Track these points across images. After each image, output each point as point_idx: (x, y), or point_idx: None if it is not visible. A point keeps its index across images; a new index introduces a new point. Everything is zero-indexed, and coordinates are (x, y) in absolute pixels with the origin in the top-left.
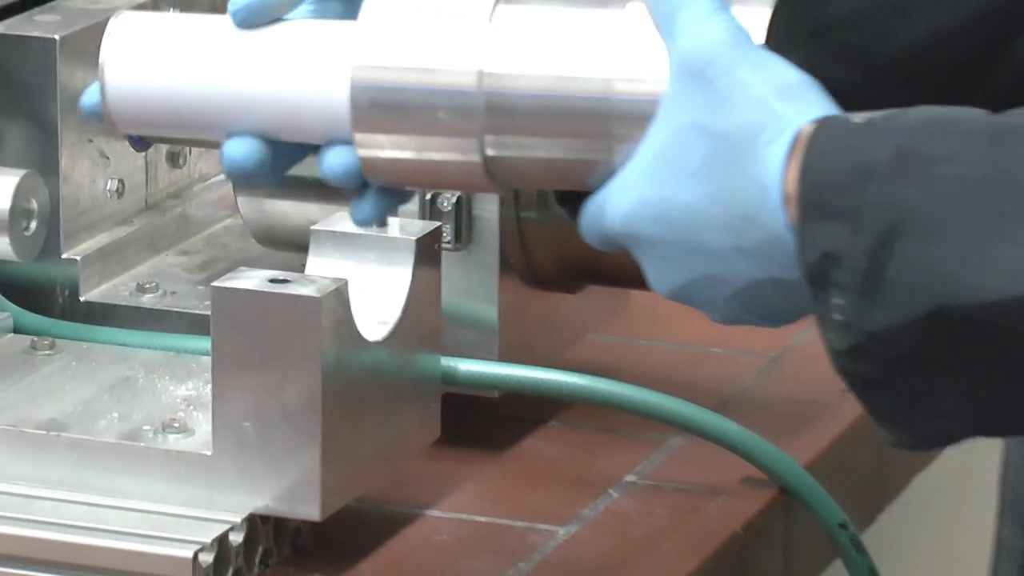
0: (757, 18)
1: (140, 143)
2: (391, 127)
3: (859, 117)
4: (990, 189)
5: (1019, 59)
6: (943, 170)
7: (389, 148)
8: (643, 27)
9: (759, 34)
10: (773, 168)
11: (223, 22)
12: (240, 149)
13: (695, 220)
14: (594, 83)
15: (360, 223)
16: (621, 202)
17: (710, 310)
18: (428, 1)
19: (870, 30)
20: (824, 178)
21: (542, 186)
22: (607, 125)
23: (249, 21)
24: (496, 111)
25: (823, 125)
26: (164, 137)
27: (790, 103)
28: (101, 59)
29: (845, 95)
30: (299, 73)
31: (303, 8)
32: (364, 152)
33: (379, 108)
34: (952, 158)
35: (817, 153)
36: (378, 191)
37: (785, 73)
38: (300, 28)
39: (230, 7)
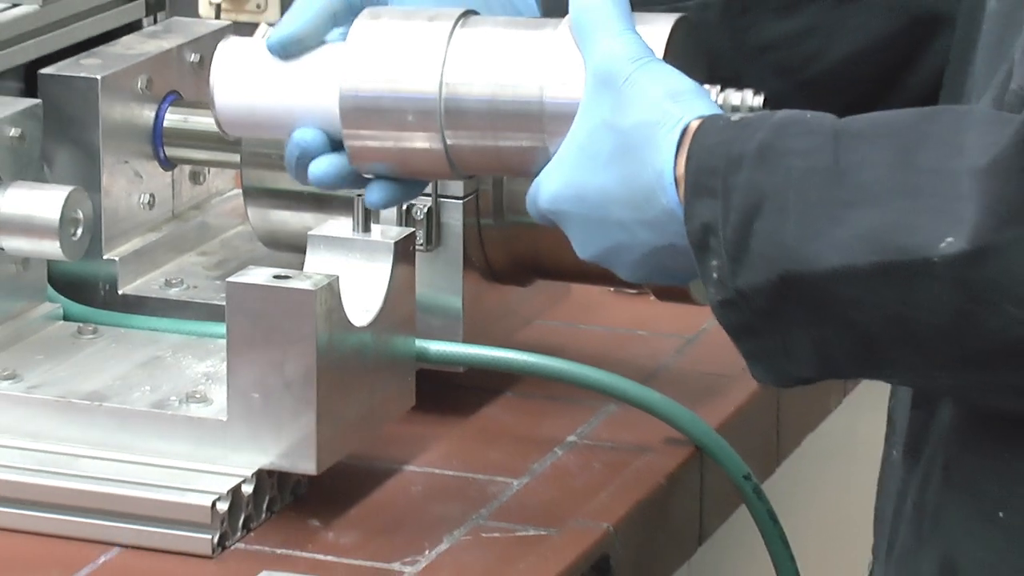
0: (658, 36)
1: (167, 164)
2: (371, 125)
3: (736, 116)
4: (827, 178)
5: (926, 71)
6: (793, 161)
7: (370, 142)
8: (570, 45)
9: (659, 49)
10: (667, 156)
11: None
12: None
13: (605, 199)
14: (530, 89)
15: (372, 206)
16: (549, 185)
17: (623, 272)
18: (401, 25)
19: (801, 50)
20: (705, 164)
21: (493, 172)
22: (541, 122)
23: (284, 52)
24: (453, 111)
25: (706, 122)
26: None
27: (680, 104)
28: (211, 78)
29: (782, 104)
30: (313, 88)
31: (337, 32)
32: (351, 143)
33: (362, 111)
34: (801, 152)
35: (700, 144)
36: (381, 180)
37: (677, 81)
38: (316, 54)
39: (267, 42)
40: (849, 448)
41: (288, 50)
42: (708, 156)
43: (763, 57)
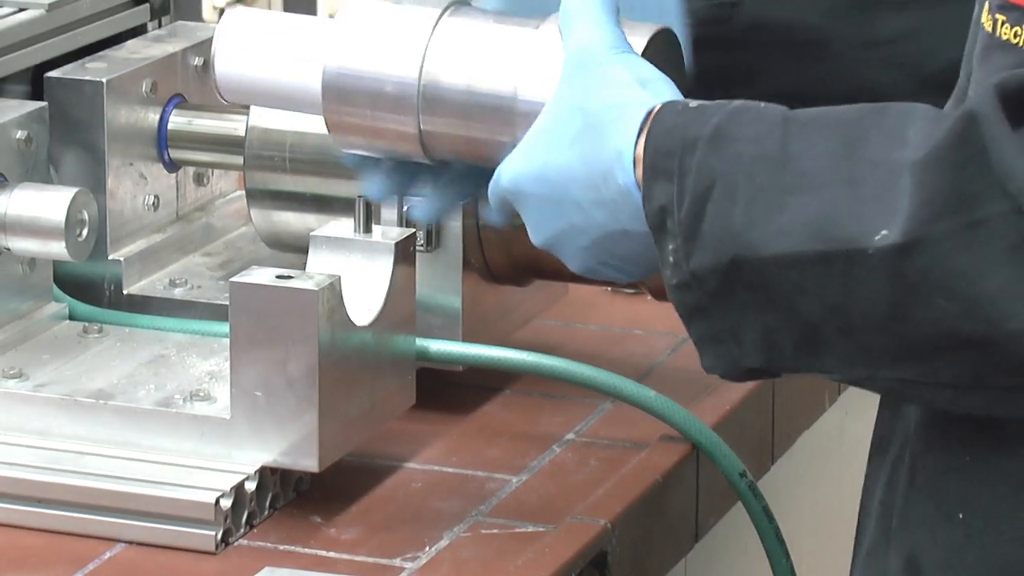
0: (635, 45)
1: (172, 166)
2: (351, 103)
3: (694, 103)
4: (774, 164)
5: None
6: (744, 147)
7: (348, 119)
8: (551, 45)
9: (638, 48)
10: (628, 137)
11: (294, 21)
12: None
13: (565, 178)
14: (504, 85)
15: (372, 198)
16: (512, 166)
17: (572, 259)
18: (390, 9)
19: (918, 46)
20: (662, 146)
21: (462, 159)
22: (512, 118)
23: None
24: (430, 97)
25: (667, 106)
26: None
27: (646, 90)
28: (214, 45)
29: (899, 96)
30: (302, 63)
31: None
32: (330, 118)
33: (343, 89)
34: (751, 138)
35: (658, 126)
36: (386, 171)
37: (646, 70)
38: (311, 30)
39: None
40: (843, 446)
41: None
42: (665, 138)
43: (882, 50)
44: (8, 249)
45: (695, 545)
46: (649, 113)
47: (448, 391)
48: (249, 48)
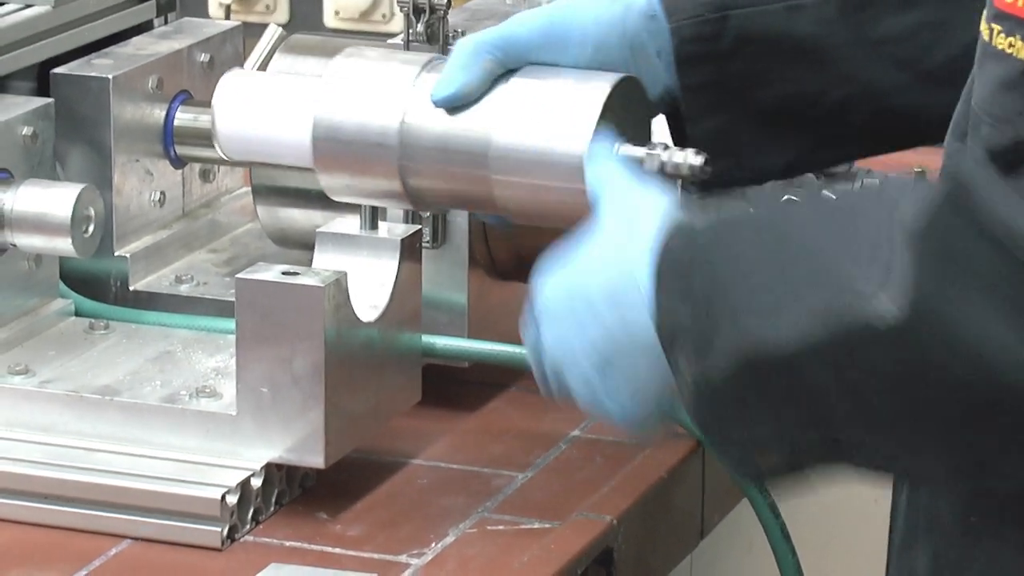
0: (597, 93)
1: (178, 162)
2: (339, 158)
3: (699, 224)
4: (774, 257)
5: None
6: (742, 249)
7: (338, 171)
8: (523, 94)
9: (597, 106)
10: (643, 246)
11: (287, 81)
12: None
13: (586, 277)
14: (478, 132)
15: None
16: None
17: (579, 382)
18: (372, 66)
19: (918, 43)
20: (670, 268)
21: (447, 208)
22: (487, 163)
23: (452, 107)
24: (409, 149)
25: (676, 230)
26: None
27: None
28: (213, 107)
29: (899, 93)
30: (294, 121)
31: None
32: (321, 172)
33: (331, 146)
34: (749, 241)
35: (668, 253)
36: None
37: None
38: (300, 89)
39: (433, 98)
40: None
41: (455, 104)
42: (671, 260)
43: (881, 50)
44: (14, 245)
45: (701, 542)
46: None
47: (454, 388)
48: (246, 108)
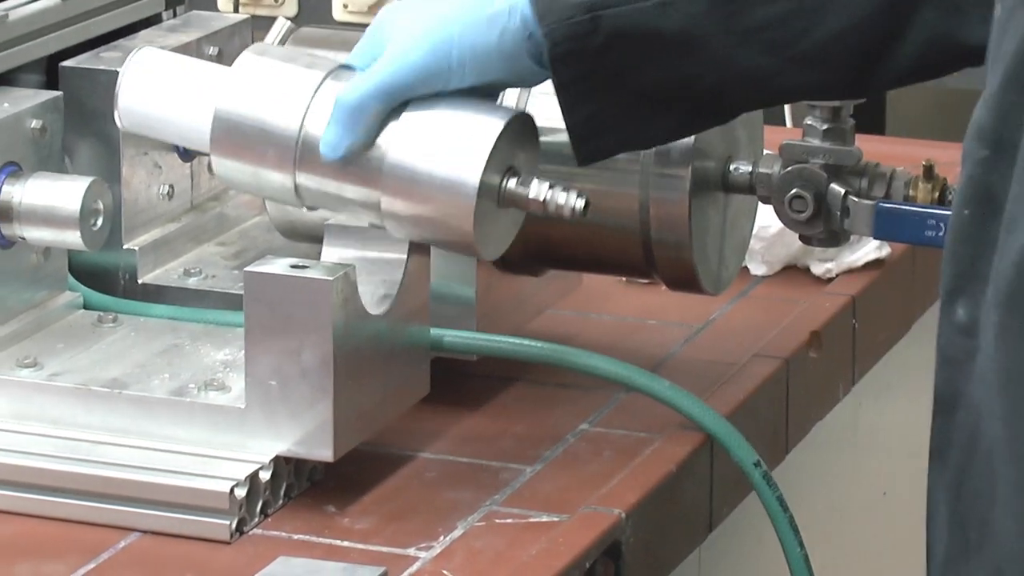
0: (492, 127)
1: (186, 155)
2: (236, 150)
3: None
4: None
5: (913, 44)
6: None
7: (232, 162)
8: (420, 115)
9: (492, 137)
10: None
11: (196, 65)
12: None
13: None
14: (374, 148)
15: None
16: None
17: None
18: (280, 67)
19: (789, 30)
20: None
21: (334, 210)
22: (379, 180)
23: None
24: (306, 153)
25: None
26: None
27: None
28: (119, 79)
29: (770, 77)
30: (196, 108)
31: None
32: (216, 161)
33: (229, 137)
34: None
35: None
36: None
37: None
38: (206, 77)
39: (321, 151)
40: (857, 436)
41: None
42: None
43: (753, 37)
44: (23, 238)
45: (709, 535)
46: None
47: (462, 381)
48: (151, 85)
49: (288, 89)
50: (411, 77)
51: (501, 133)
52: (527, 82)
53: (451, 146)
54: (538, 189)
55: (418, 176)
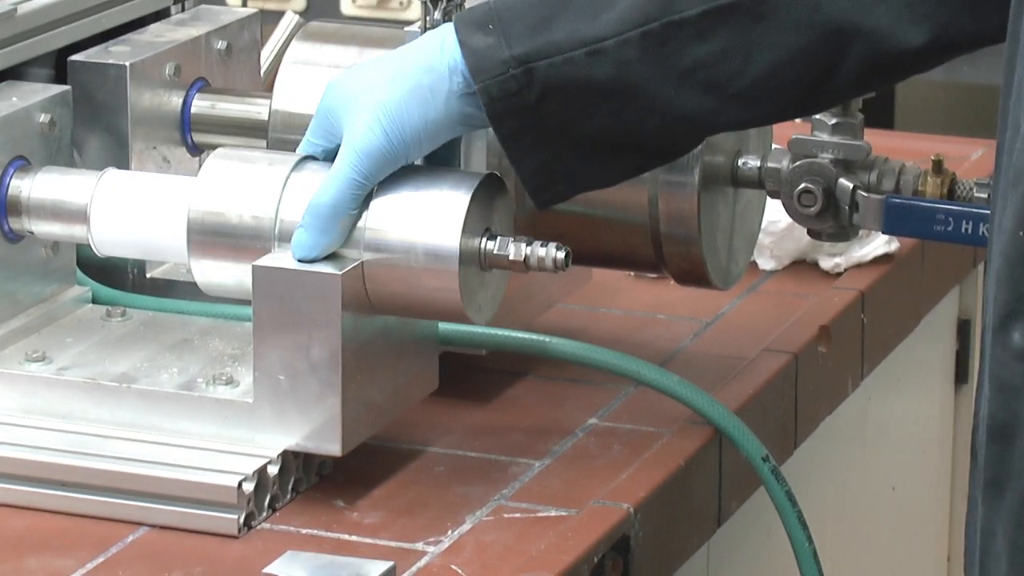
0: (464, 189)
1: (195, 150)
2: (216, 252)
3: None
4: None
5: (848, 76)
6: None
7: (213, 262)
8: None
9: (464, 201)
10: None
11: (159, 179)
12: None
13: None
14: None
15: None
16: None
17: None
18: (245, 168)
19: (724, 68)
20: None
21: None
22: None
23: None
24: (284, 244)
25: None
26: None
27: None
28: (89, 210)
29: (712, 116)
30: (168, 221)
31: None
32: (196, 266)
33: (207, 239)
34: None
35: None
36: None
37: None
38: (173, 192)
39: (295, 254)
40: (866, 431)
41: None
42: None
43: (689, 78)
44: (32, 232)
45: (718, 530)
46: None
47: (471, 375)
48: (121, 207)
49: (258, 187)
50: (374, 168)
51: (472, 198)
52: (482, 126)
53: (426, 220)
54: (517, 249)
55: (397, 257)
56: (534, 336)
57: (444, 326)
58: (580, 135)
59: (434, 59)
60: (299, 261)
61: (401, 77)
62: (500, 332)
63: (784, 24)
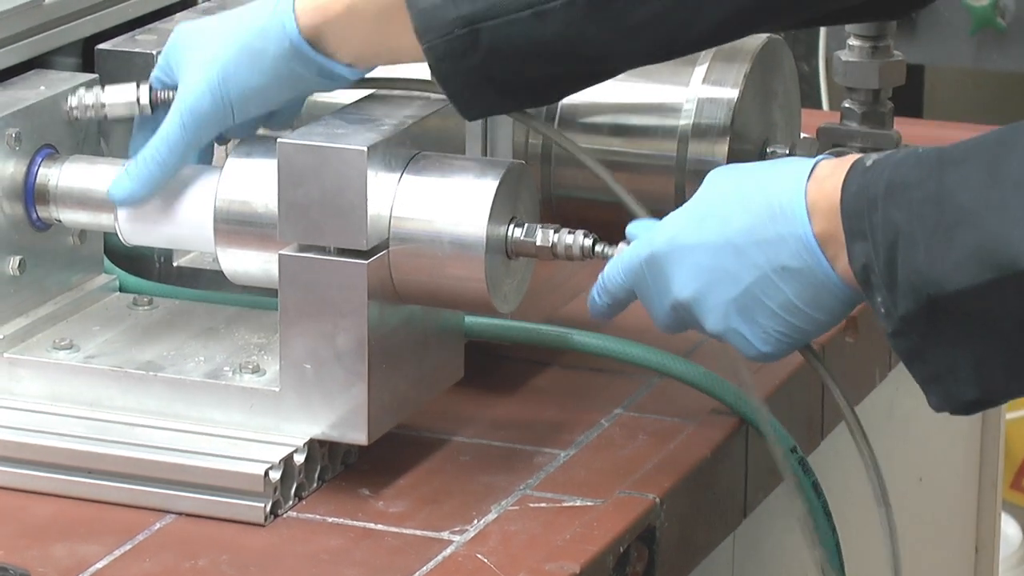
0: (489, 181)
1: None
2: (241, 243)
3: (869, 160)
4: (935, 204)
5: (795, 20)
6: (912, 193)
7: (239, 252)
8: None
9: (490, 192)
10: (792, 185)
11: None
12: None
13: (723, 224)
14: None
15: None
16: (665, 230)
17: (712, 312)
18: (272, 158)
19: (670, 26)
20: (852, 209)
21: None
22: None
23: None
24: None
25: (852, 167)
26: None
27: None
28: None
29: (649, 63)
30: (195, 214)
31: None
32: (224, 258)
33: (234, 224)
34: (915, 183)
35: (847, 191)
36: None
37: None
38: (198, 186)
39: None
40: (893, 421)
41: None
42: (854, 201)
43: (635, 36)
44: (59, 221)
45: (743, 521)
46: (813, 167)
47: (496, 365)
48: (147, 204)
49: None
50: (200, 126)
51: (498, 185)
52: (316, 89)
53: (453, 208)
54: (544, 235)
55: (423, 245)
56: (559, 329)
57: (468, 319)
58: (524, 83)
59: (265, 21)
60: (112, 200)
61: (233, 37)
62: (525, 325)
63: None
